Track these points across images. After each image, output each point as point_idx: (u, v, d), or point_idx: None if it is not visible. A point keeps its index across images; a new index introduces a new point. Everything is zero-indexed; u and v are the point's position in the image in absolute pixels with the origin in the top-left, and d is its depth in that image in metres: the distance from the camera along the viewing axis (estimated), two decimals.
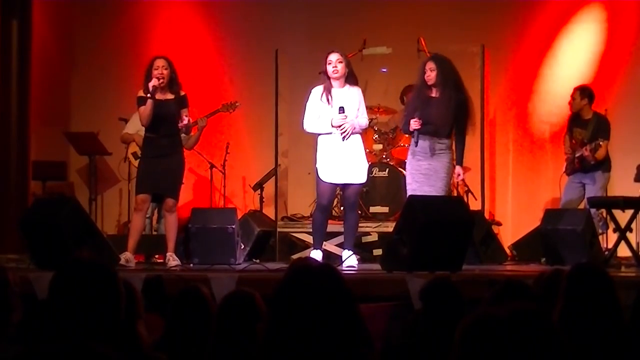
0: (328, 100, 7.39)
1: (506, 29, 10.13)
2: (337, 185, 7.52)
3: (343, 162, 7.36)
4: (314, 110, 7.44)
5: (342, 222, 7.76)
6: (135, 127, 9.19)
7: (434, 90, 7.42)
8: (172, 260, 7.41)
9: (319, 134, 7.45)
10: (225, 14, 10.63)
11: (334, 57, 7.40)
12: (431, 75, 7.36)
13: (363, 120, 7.54)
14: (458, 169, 7.47)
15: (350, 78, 7.47)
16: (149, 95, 7.28)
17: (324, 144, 7.43)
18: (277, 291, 2.53)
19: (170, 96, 7.42)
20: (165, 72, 7.33)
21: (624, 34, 9.95)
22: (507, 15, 10.16)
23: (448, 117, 7.33)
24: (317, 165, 7.43)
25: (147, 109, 7.31)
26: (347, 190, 7.52)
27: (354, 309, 2.53)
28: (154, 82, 7.26)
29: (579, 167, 8.64)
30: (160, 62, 7.37)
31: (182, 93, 7.48)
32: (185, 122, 7.33)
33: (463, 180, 7.58)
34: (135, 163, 9.14)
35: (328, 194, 7.46)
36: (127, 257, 7.33)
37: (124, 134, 9.26)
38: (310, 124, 7.46)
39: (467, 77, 9.06)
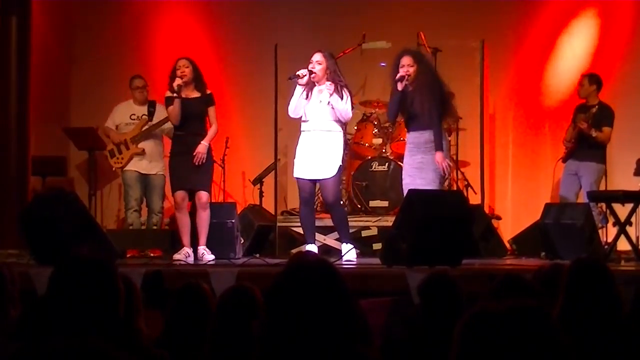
0: (307, 95, 7.44)
1: (506, 25, 10.12)
2: (309, 180, 7.50)
3: (313, 157, 7.41)
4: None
5: None
6: (113, 121, 9.18)
7: (410, 84, 7.39)
8: (207, 255, 7.57)
9: (300, 120, 7.52)
10: (225, 9, 10.61)
11: (314, 57, 7.47)
12: (409, 70, 7.33)
13: (344, 106, 7.39)
14: (438, 155, 7.28)
15: (334, 75, 7.45)
16: (175, 94, 7.47)
17: (301, 140, 7.53)
18: (273, 286, 2.52)
19: (195, 94, 7.63)
20: (187, 70, 7.58)
21: (622, 30, 9.94)
22: (507, 10, 10.15)
23: (432, 107, 7.31)
24: (294, 160, 7.53)
25: (175, 108, 7.54)
26: (322, 189, 7.58)
27: (350, 303, 2.52)
28: (177, 82, 7.49)
29: (575, 147, 8.68)
30: (182, 62, 7.64)
31: (208, 92, 7.69)
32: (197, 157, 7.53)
33: (449, 165, 7.41)
34: (112, 161, 9.11)
35: (306, 187, 7.50)
36: (186, 252, 7.57)
37: (104, 127, 9.27)
38: (290, 106, 7.48)
39: (466, 73, 9.08)
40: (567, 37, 10.09)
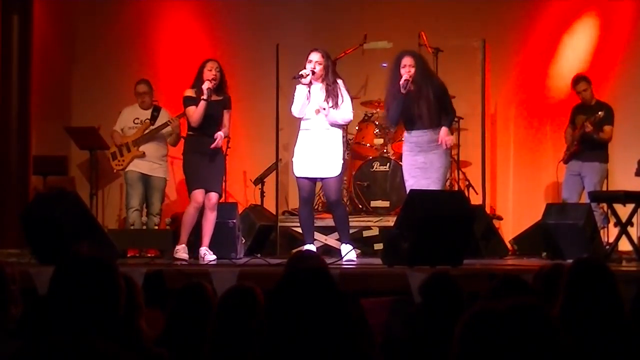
0: (307, 95, 7.42)
1: (507, 24, 10.12)
2: (311, 179, 7.50)
3: (315, 156, 7.40)
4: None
5: None
6: (120, 124, 9.18)
7: (411, 85, 7.38)
8: (209, 255, 7.54)
9: (300, 120, 7.51)
10: (226, 8, 10.62)
11: (314, 57, 7.44)
12: (411, 71, 7.32)
13: (343, 113, 7.45)
14: (443, 130, 7.32)
15: (330, 75, 7.45)
16: (203, 97, 7.46)
17: (301, 138, 7.52)
18: (275, 288, 2.53)
19: (218, 98, 7.62)
20: (217, 74, 7.57)
21: (622, 30, 9.94)
22: (509, 9, 10.15)
23: (435, 106, 7.33)
24: (292, 159, 7.49)
25: (199, 110, 7.52)
26: (324, 188, 7.57)
27: (348, 303, 2.52)
28: (208, 84, 7.48)
29: (578, 149, 8.70)
30: (213, 65, 7.63)
31: (228, 95, 7.69)
32: (217, 141, 7.52)
33: (446, 143, 7.35)
34: (113, 164, 9.10)
35: (306, 187, 7.49)
36: (183, 247, 7.54)
37: (113, 130, 9.24)
38: (294, 105, 7.48)
39: (468, 72, 9.07)
40: (569, 37, 10.10)
